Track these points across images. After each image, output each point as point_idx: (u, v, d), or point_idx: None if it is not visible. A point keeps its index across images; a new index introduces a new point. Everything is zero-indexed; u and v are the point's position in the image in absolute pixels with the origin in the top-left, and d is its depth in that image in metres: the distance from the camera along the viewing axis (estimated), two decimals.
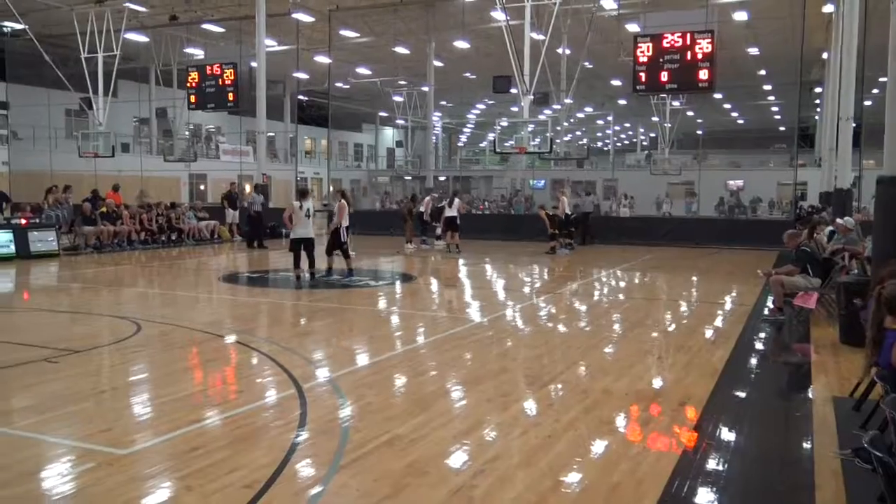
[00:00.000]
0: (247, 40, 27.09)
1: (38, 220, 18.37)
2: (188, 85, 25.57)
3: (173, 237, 21.33)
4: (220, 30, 30.65)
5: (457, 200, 19.87)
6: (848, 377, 6.60)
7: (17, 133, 32.14)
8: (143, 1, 26.55)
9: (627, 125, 64.19)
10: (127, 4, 25.24)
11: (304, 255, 13.14)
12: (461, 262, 17.85)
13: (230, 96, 24.47)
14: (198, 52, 32.26)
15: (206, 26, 30.37)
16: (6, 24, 29.76)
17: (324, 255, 13.68)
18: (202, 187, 38.99)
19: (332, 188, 17.82)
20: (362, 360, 7.69)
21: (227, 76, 24.30)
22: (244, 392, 6.37)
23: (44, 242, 17.45)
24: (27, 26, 24.95)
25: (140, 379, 6.87)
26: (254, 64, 25.50)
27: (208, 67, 24.83)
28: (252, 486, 4.21)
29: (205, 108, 26.40)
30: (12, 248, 16.68)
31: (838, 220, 12.19)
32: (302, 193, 13.35)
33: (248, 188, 27.57)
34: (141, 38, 31.81)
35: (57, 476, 4.40)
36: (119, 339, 8.30)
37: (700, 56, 17.86)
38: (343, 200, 13.71)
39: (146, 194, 23.71)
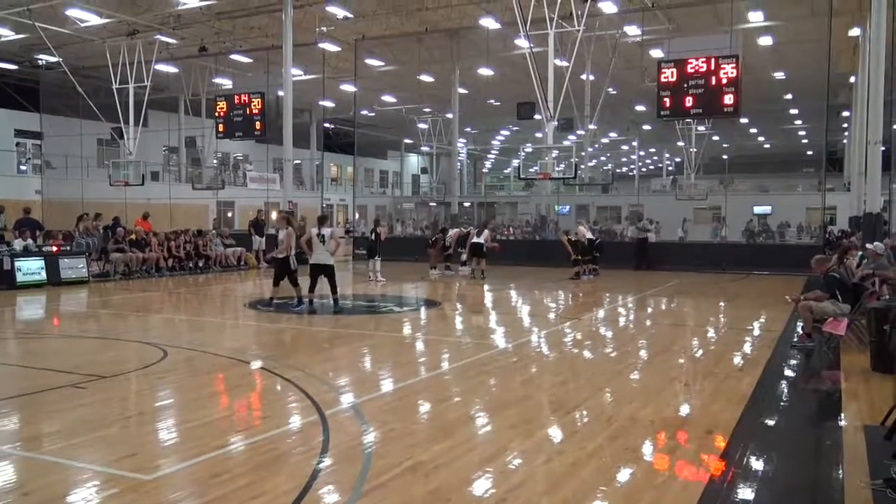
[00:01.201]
0: (274, 70, 27.50)
1: (68, 248, 18.69)
2: (216, 114, 25.90)
3: (200, 264, 21.56)
4: (248, 60, 31.25)
5: (486, 231, 19.91)
6: (879, 405, 6.47)
7: (50, 162, 32.84)
8: (173, 33, 27.11)
9: (653, 150, 64.03)
10: (158, 37, 25.86)
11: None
12: (486, 287, 17.83)
13: (258, 125, 24.73)
14: (226, 82, 32.80)
15: (234, 57, 30.97)
16: (42, 57, 30.65)
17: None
18: (230, 214, 39.48)
19: (275, 214, 17.24)
20: (386, 385, 7.68)
21: (254, 105, 24.59)
22: (267, 418, 6.39)
23: (74, 269, 17.76)
24: (61, 59, 25.64)
25: (165, 404, 6.92)
26: (281, 93, 25.85)
27: (236, 97, 25.16)
28: None
29: (233, 136, 26.69)
30: (43, 275, 17.01)
31: (868, 245, 12.03)
32: (321, 220, 13.41)
33: (273, 215, 27.83)
34: (171, 69, 32.50)
35: (82, 501, 4.43)
36: (146, 365, 8.39)
37: (725, 81, 17.79)
38: (290, 228, 13.25)
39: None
